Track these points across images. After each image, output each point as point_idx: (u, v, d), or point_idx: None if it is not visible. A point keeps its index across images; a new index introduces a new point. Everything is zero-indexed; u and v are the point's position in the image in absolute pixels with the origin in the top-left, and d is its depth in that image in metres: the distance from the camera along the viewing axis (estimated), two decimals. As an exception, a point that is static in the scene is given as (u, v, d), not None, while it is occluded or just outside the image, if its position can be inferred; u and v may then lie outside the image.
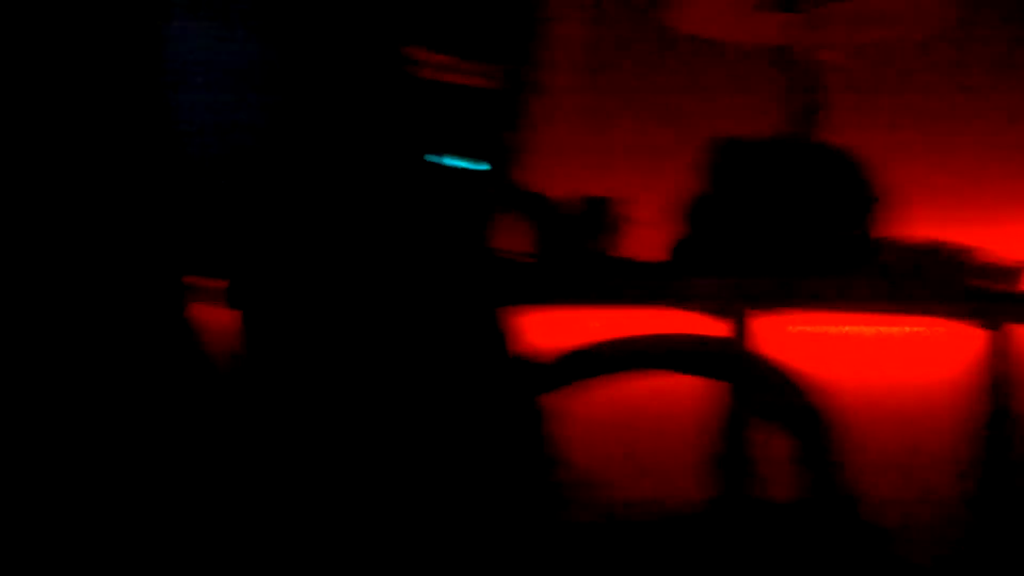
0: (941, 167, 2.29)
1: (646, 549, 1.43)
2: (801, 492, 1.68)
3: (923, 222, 2.12)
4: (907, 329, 2.26)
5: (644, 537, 1.43)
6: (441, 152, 1.87)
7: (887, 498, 2.15)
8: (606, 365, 1.76)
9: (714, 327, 1.45)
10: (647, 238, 1.74)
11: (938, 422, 2.11)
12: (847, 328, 2.28)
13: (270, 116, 1.22)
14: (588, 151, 2.62)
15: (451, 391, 1.22)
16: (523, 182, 2.23)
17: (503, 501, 1.24)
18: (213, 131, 1.22)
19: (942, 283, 1.57)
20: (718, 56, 2.37)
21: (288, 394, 1.26)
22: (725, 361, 1.42)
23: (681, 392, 2.02)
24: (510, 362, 1.27)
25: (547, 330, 2.45)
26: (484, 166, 1.91)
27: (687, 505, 1.50)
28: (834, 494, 1.66)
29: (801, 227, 1.44)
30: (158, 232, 1.23)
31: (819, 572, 1.48)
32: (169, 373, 1.26)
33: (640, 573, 1.42)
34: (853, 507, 1.66)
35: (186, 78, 1.22)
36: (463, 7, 2.31)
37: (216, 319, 1.30)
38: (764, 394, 1.49)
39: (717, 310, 1.41)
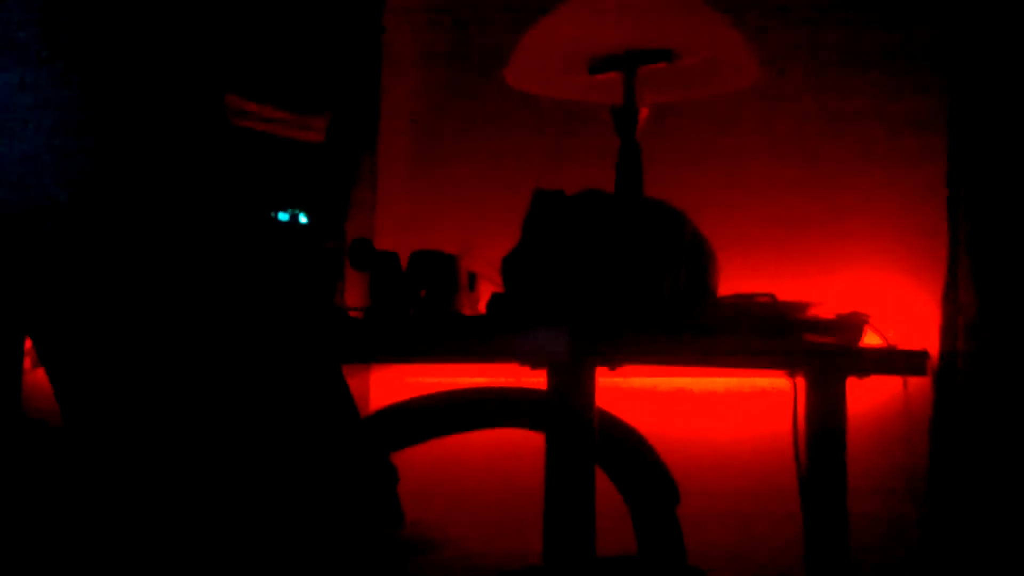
0: (774, 221, 2.34)
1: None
2: (636, 545, 1.68)
3: (756, 277, 2.17)
4: (738, 383, 2.30)
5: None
6: (266, 206, 1.84)
7: (721, 549, 2.17)
8: (437, 422, 1.74)
9: (544, 381, 1.43)
10: (485, 292, 1.73)
11: (771, 475, 2.14)
12: (681, 381, 2.31)
13: (82, 165, 1.17)
14: (420, 205, 2.62)
15: (290, 448, 1.18)
16: (353, 236, 2.21)
17: (347, 559, 1.20)
18: (18, 181, 1.17)
19: (776, 338, 1.59)
20: (550, 112, 2.40)
21: (109, 456, 1.20)
22: (555, 414, 1.40)
23: (513, 446, 2.01)
24: (347, 420, 1.23)
25: (386, 386, 2.43)
26: (311, 219, 1.88)
27: (523, 559, 1.48)
28: (667, 548, 1.66)
29: (628, 281, 1.44)
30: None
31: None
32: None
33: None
34: (684, 561, 1.66)
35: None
36: (287, 57, 2.29)
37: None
38: (597, 447, 1.48)
39: (545, 364, 1.40)
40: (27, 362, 1.43)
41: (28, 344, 1.31)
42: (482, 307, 1.71)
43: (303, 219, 1.94)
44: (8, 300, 1.21)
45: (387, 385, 2.46)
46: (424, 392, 1.82)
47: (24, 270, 1.19)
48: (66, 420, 1.24)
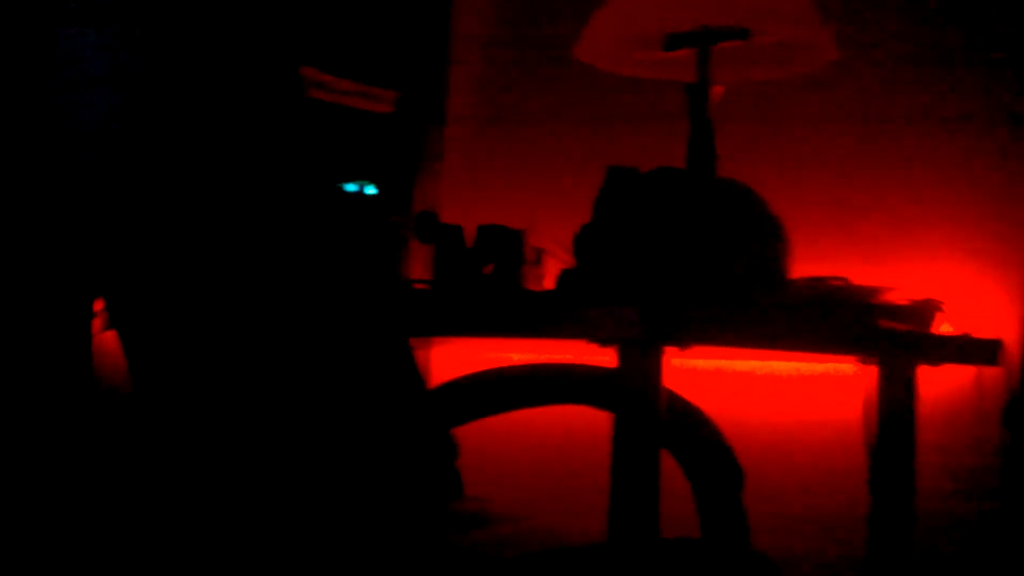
0: (847, 204, 2.32)
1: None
2: (700, 527, 1.66)
3: (828, 260, 2.14)
4: (803, 367, 2.28)
5: (541, 570, 1.40)
6: (336, 177, 1.84)
7: (786, 535, 2.15)
8: (501, 397, 1.73)
9: (608, 359, 1.42)
10: (550, 268, 1.72)
11: (837, 461, 2.12)
12: (750, 364, 2.29)
13: (156, 129, 1.17)
14: (486, 180, 2.61)
15: (356, 421, 1.18)
16: (421, 209, 2.21)
17: (408, 532, 1.21)
18: (93, 142, 1.18)
19: (849, 322, 1.56)
20: (620, 90, 2.38)
21: (178, 426, 1.21)
22: (623, 394, 1.39)
23: (583, 422, 2.00)
24: (415, 393, 1.24)
25: (447, 360, 2.43)
26: (378, 192, 1.88)
27: (586, 537, 1.48)
28: (731, 532, 1.65)
29: (702, 261, 1.43)
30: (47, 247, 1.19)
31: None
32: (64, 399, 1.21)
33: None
34: (748, 545, 1.65)
35: (71, 91, 1.18)
36: (360, 31, 2.29)
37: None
38: (664, 428, 1.47)
39: (615, 342, 1.38)
40: (97, 324, 1.44)
41: (98, 306, 1.32)
42: (547, 283, 1.70)
43: (370, 191, 1.94)
44: (80, 261, 1.22)
45: (448, 360, 2.46)
46: (485, 367, 1.81)
47: (97, 231, 1.20)
48: (136, 384, 1.25)
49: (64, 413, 1.26)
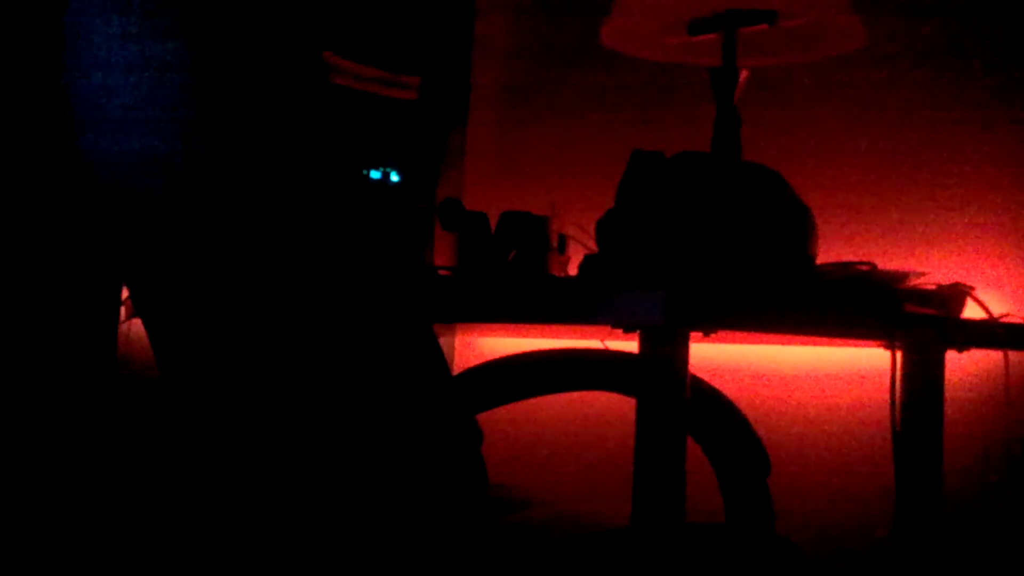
0: (874, 188, 2.30)
1: (570, 567, 1.40)
2: (724, 512, 1.66)
3: (855, 245, 2.13)
4: (828, 352, 2.27)
5: (568, 555, 1.40)
6: (358, 163, 1.84)
7: (810, 521, 2.15)
8: (526, 383, 1.73)
9: (632, 345, 1.42)
10: (574, 254, 1.71)
11: (864, 445, 2.11)
12: (775, 349, 2.28)
13: (182, 117, 1.17)
14: (510, 167, 2.60)
15: (380, 407, 1.18)
16: (446, 196, 2.21)
17: (433, 518, 1.21)
18: (119, 131, 1.18)
19: (876, 307, 1.56)
20: (645, 76, 2.37)
21: (205, 411, 1.21)
22: (648, 379, 1.39)
23: (604, 409, 2.00)
24: (440, 379, 1.23)
25: (465, 348, 2.44)
26: (402, 178, 1.88)
27: (611, 522, 1.48)
28: (756, 517, 1.65)
29: (728, 245, 1.42)
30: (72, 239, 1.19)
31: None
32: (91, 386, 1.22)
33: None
34: (773, 531, 1.64)
35: (93, 77, 1.18)
36: (383, 17, 2.29)
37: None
38: (688, 414, 1.47)
39: (640, 328, 1.38)
40: (122, 312, 1.45)
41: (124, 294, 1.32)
42: (571, 269, 1.70)
43: (394, 177, 1.94)
44: (106, 250, 1.22)
45: (470, 346, 2.46)
46: (507, 354, 1.81)
47: (123, 219, 1.20)
48: (163, 371, 1.26)
49: (89, 399, 1.27)
